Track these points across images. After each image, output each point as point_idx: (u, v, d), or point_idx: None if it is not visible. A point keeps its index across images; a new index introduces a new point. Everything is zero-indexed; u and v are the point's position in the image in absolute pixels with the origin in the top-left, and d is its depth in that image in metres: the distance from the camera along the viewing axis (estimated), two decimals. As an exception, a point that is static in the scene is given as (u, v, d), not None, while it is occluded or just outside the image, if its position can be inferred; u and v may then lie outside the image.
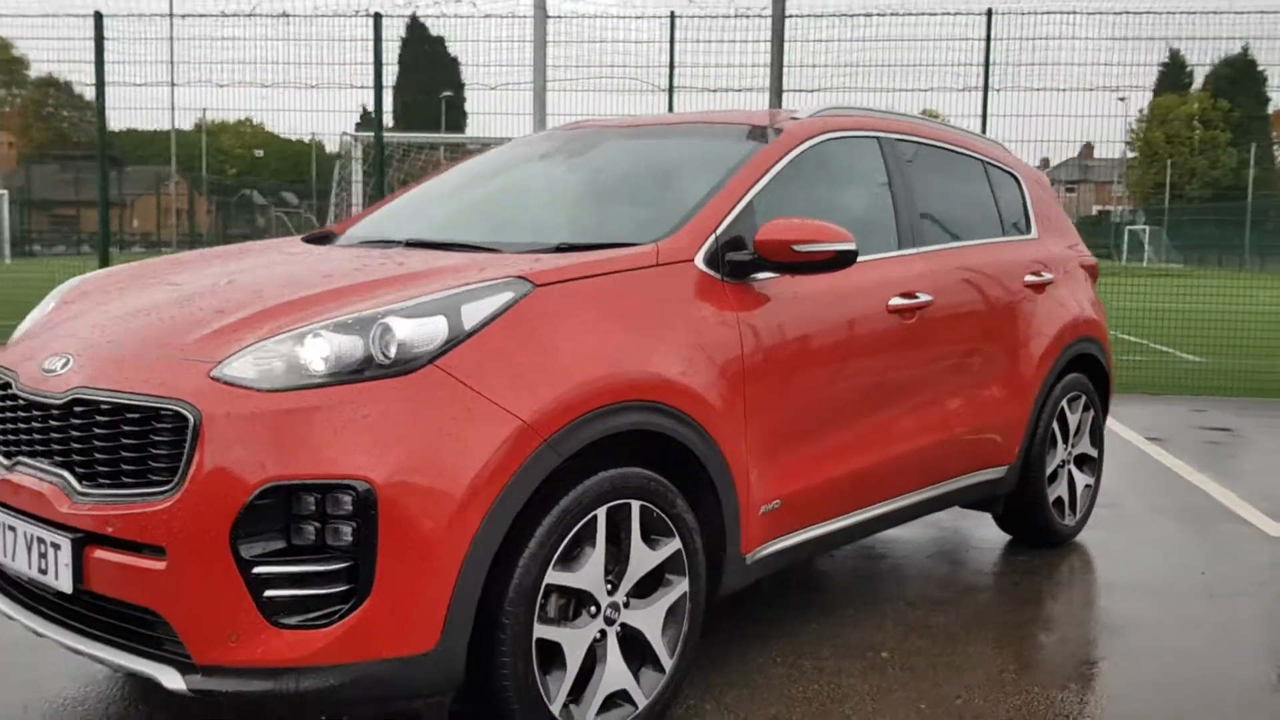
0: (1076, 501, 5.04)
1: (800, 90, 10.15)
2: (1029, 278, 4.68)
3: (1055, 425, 4.81)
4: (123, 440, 2.57)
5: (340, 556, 2.44)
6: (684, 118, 4.36)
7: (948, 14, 9.70)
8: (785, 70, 10.05)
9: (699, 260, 3.22)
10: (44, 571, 2.64)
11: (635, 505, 2.89)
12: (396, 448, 2.48)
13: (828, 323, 3.58)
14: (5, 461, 2.85)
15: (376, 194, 11.39)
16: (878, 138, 4.14)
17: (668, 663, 3.02)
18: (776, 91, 10.15)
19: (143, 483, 2.53)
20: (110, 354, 2.77)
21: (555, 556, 2.71)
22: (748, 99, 10.30)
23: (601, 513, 2.80)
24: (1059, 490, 4.91)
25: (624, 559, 2.90)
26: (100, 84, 11.09)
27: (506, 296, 2.74)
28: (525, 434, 2.61)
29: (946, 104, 11.03)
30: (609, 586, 2.87)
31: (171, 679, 2.47)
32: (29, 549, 2.68)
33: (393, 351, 2.55)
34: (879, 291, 3.79)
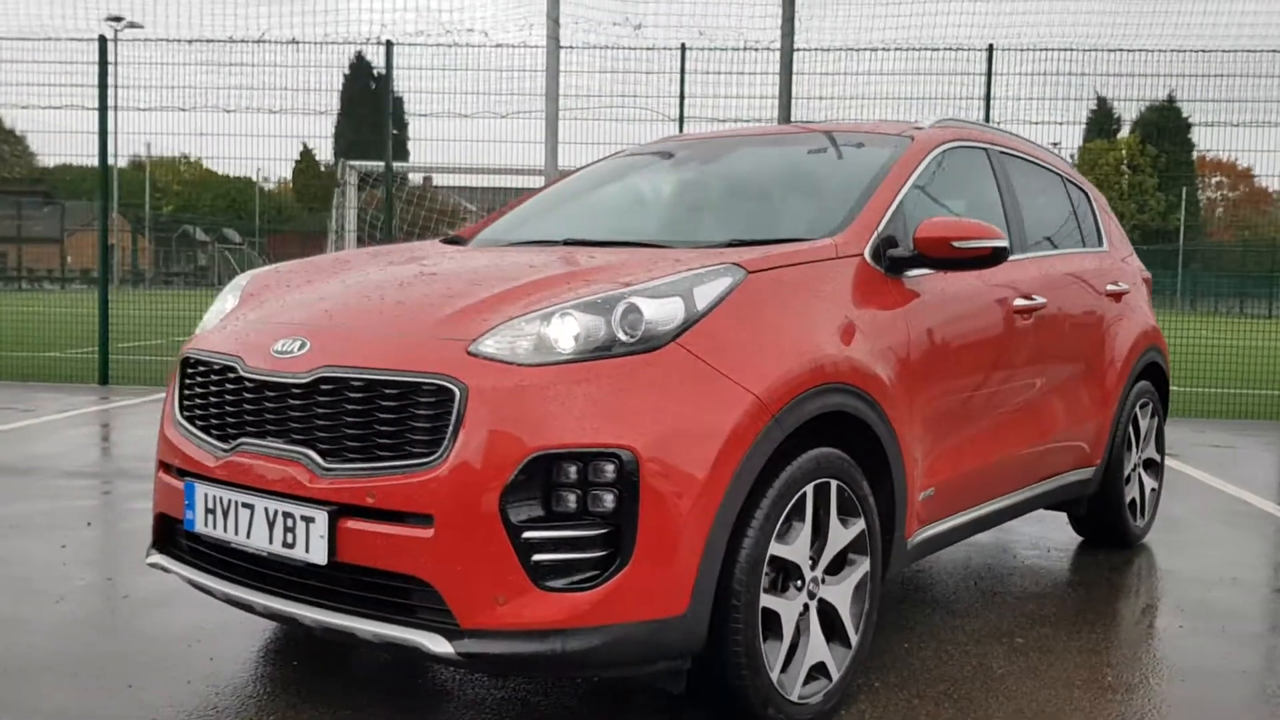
0: (1145, 504, 5.27)
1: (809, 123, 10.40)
2: (1110, 287, 4.92)
3: (1130, 429, 5.04)
4: (377, 415, 2.66)
5: (601, 522, 2.55)
6: (805, 127, 4.54)
7: (949, 49, 10.05)
8: (794, 102, 10.33)
9: (867, 255, 3.39)
10: (290, 546, 2.71)
11: (833, 484, 3.03)
12: (652, 419, 2.60)
13: (969, 320, 3.77)
14: (223, 445, 2.92)
15: (386, 222, 11.45)
16: (986, 149, 4.36)
17: (854, 639, 3.15)
18: (785, 121, 10.41)
19: (400, 455, 2.61)
20: (349, 335, 2.86)
21: (775, 529, 2.84)
22: (757, 130, 10.55)
23: (810, 489, 2.94)
24: (1133, 493, 5.13)
25: (822, 535, 3.04)
26: (103, 109, 11.05)
27: (727, 281, 2.89)
28: (758, 409, 2.75)
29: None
30: (810, 562, 3.00)
31: (437, 644, 2.55)
32: (271, 525, 2.75)
33: (640, 330, 2.68)
34: (1006, 292, 3.99)
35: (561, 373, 2.62)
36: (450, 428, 2.57)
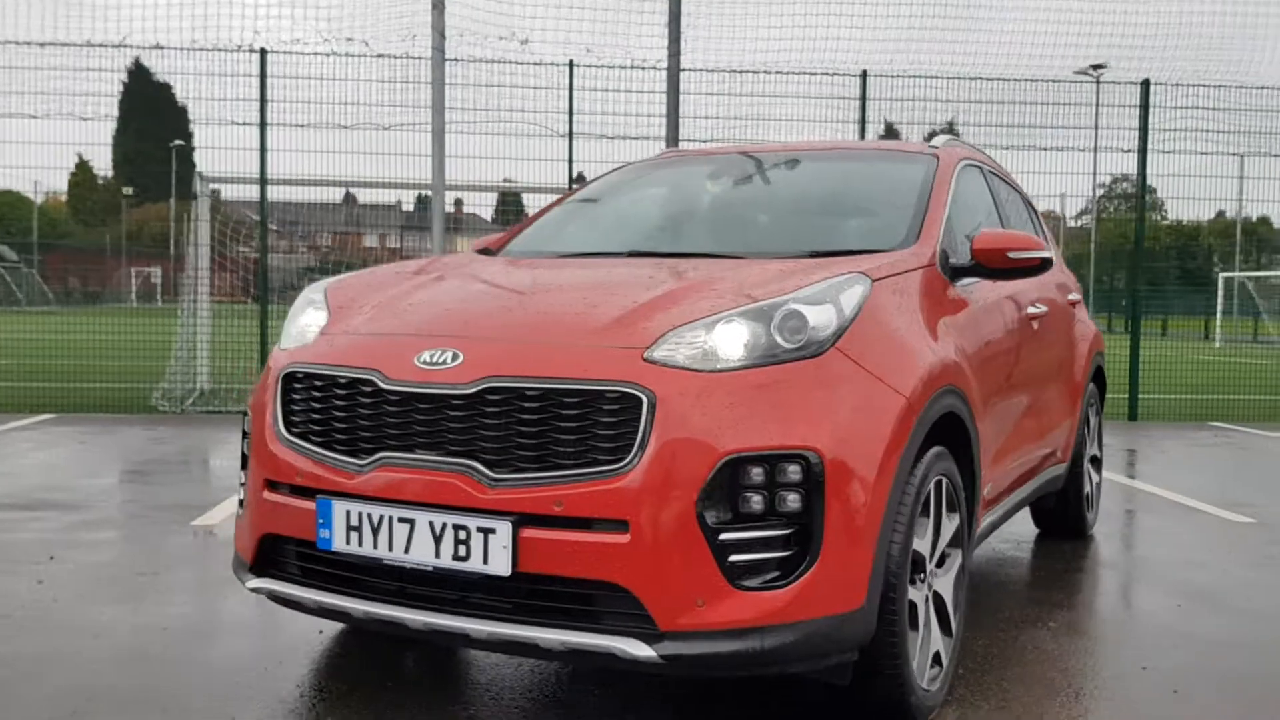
0: (1095, 497, 5.68)
1: (696, 140, 10.66)
2: (1070, 295, 5.29)
3: (1084, 427, 5.42)
4: (556, 424, 2.65)
5: (788, 522, 2.62)
6: (827, 144, 4.71)
7: (826, 74, 10.49)
8: (682, 121, 10.55)
9: (937, 264, 3.57)
10: (463, 559, 2.66)
11: (944, 481, 3.19)
12: (829, 421, 2.70)
13: (1006, 326, 4.01)
14: (358, 460, 2.84)
15: (262, 238, 11.04)
16: (980, 166, 4.63)
17: (955, 627, 3.31)
18: (673, 140, 10.62)
19: (585, 462, 2.61)
20: (508, 345, 2.83)
21: (914, 524, 2.97)
22: (644, 148, 10.73)
23: (932, 486, 3.09)
24: (1087, 487, 5.52)
25: (937, 529, 3.19)
26: (264, 124, 10.39)
27: (861, 289, 3.01)
28: (907, 411, 2.88)
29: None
30: (929, 555, 3.15)
31: (637, 649, 2.55)
32: (438, 539, 2.69)
33: (803, 335, 2.77)
34: (1022, 301, 4.26)
35: (741, 378, 2.68)
36: (639, 434, 2.59)
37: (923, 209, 3.78)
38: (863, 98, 10.56)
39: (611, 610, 2.62)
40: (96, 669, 3.45)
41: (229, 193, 17.18)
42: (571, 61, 10.50)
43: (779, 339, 2.76)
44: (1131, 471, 7.99)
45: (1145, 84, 10.87)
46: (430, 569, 2.72)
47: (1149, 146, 10.90)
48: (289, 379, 3.09)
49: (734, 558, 2.58)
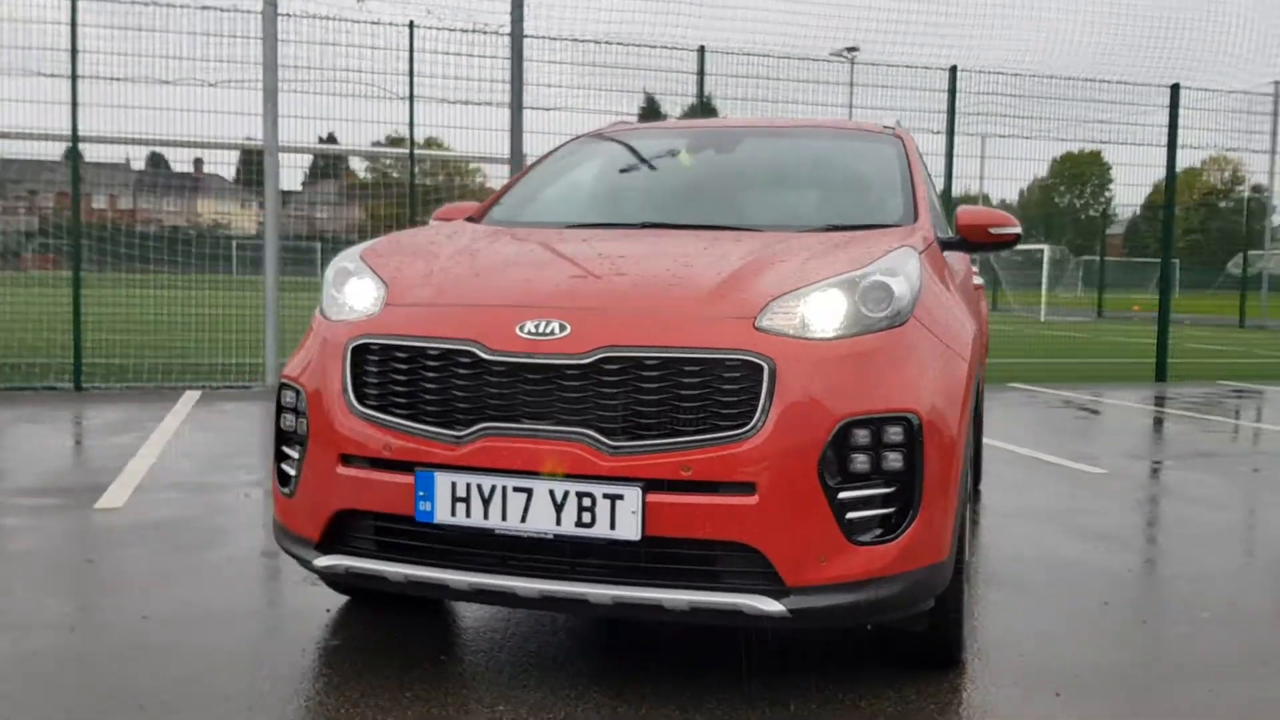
0: (980, 456, 6.17)
1: (538, 108, 10.66)
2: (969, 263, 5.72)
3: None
4: (677, 391, 2.73)
5: (891, 480, 2.81)
6: (792, 121, 4.89)
7: (665, 47, 10.69)
8: (525, 88, 10.53)
9: (935, 239, 3.83)
10: (587, 525, 2.70)
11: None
12: (921, 385, 2.90)
13: (975, 293, 4.35)
14: (454, 431, 2.83)
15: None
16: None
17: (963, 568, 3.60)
18: (517, 107, 10.59)
19: (707, 428, 2.71)
20: (617, 316, 2.87)
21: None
22: (488, 113, 10.62)
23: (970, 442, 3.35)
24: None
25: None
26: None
27: (916, 261, 3.22)
28: (968, 374, 3.12)
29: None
30: None
31: (766, 604, 2.69)
32: (559, 507, 2.72)
33: (888, 305, 2.95)
34: (970, 271, 4.60)
35: (846, 345, 2.85)
36: (761, 400, 2.71)
37: (910, 187, 4.04)
38: (700, 72, 10.84)
39: (735, 569, 2.73)
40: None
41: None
42: (412, 22, 10.26)
43: (866, 309, 2.93)
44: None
45: (953, 70, 11.57)
46: (550, 536, 2.75)
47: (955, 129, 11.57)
48: (357, 352, 3.01)
49: (850, 515, 2.75)
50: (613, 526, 2.70)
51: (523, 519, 2.76)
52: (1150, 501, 6.07)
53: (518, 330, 2.85)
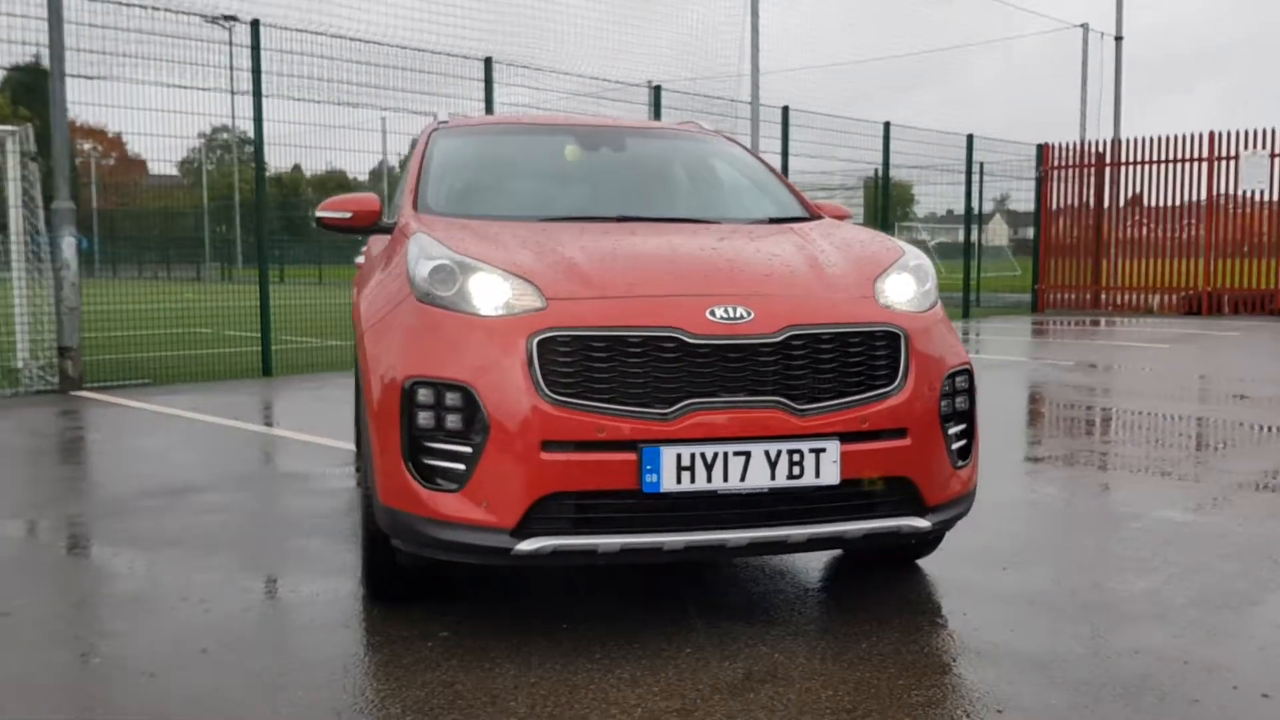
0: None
1: (82, 77, 9.62)
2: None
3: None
4: (846, 359, 3.34)
5: (964, 417, 3.65)
6: (641, 123, 5.31)
7: (194, 13, 10.16)
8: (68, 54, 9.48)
9: (823, 226, 4.68)
10: (797, 477, 3.21)
11: None
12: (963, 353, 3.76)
13: None
14: (661, 409, 3.16)
15: None
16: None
17: None
18: (60, 75, 9.51)
19: (867, 388, 3.36)
20: (787, 300, 3.38)
21: None
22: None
23: None
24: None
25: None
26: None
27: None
28: None
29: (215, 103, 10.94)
30: None
31: (918, 522, 3.40)
32: (773, 464, 3.18)
33: (930, 284, 3.77)
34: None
35: (932, 315, 3.65)
36: (902, 361, 3.42)
37: (783, 183, 4.86)
38: (255, 47, 10.43)
39: (895, 498, 3.40)
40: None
41: None
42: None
43: (925, 286, 3.73)
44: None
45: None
46: (766, 490, 3.22)
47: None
48: (547, 344, 3.18)
49: (954, 445, 3.56)
50: (817, 475, 3.23)
51: (742, 478, 3.18)
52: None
53: (708, 315, 3.25)
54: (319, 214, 4.40)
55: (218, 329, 16.30)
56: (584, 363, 3.18)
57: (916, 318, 3.55)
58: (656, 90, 14.82)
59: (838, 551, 4.30)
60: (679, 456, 3.13)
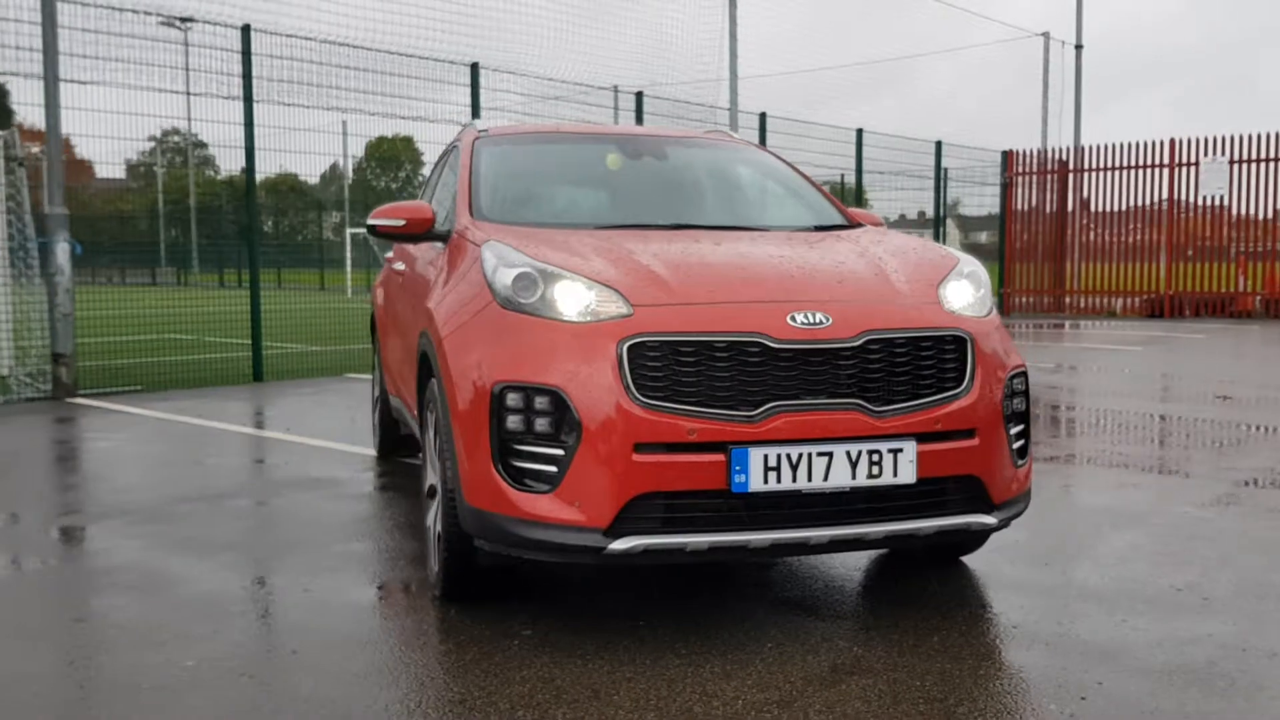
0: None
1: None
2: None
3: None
4: (918, 363, 3.46)
5: (1022, 418, 3.78)
6: (677, 132, 5.42)
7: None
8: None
9: (863, 231, 4.82)
10: (876, 476, 3.32)
11: None
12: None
13: None
14: (746, 411, 3.27)
15: None
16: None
17: None
18: (53, 79, 9.45)
19: (937, 390, 3.49)
20: (862, 306, 3.50)
21: None
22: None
23: None
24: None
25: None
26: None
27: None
28: None
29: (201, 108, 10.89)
30: None
31: (986, 519, 3.54)
32: (854, 464, 3.30)
33: (985, 289, 3.91)
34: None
35: (992, 321, 3.78)
36: (969, 365, 3.55)
37: (819, 190, 4.99)
38: (246, 52, 10.42)
39: (964, 496, 3.53)
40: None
41: None
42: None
43: (982, 291, 3.87)
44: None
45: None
46: (848, 489, 3.33)
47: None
48: (636, 349, 3.28)
49: (1014, 445, 3.70)
50: (895, 474, 3.36)
51: (825, 477, 3.30)
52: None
53: (789, 321, 3.36)
54: (371, 222, 4.48)
55: (199, 334, 16.17)
56: (672, 367, 3.28)
57: (979, 322, 3.69)
58: (638, 96, 14.94)
59: (882, 550, 4.42)
60: (766, 457, 3.24)
